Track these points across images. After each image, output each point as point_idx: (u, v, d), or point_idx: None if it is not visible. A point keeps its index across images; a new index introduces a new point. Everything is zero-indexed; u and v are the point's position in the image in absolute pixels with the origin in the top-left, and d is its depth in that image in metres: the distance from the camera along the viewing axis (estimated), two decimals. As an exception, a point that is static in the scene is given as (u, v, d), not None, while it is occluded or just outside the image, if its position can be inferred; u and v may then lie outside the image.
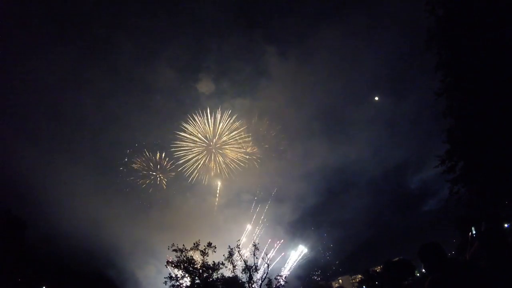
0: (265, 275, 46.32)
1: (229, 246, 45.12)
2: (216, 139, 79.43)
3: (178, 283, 44.09)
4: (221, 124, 78.88)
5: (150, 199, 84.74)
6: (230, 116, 79.85)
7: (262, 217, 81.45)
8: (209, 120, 78.43)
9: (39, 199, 63.76)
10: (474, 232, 6.14)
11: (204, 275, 43.89)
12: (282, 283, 47.67)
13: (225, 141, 79.72)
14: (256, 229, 78.64)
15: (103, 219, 69.26)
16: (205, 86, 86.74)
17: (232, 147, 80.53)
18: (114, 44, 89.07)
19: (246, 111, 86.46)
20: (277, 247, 76.15)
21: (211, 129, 78.63)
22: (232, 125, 79.86)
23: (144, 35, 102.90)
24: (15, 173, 62.52)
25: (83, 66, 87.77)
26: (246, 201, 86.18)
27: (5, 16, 70.73)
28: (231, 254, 44.69)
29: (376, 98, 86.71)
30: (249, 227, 75.30)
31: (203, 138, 79.22)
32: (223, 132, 79.34)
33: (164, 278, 44.84)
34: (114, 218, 71.84)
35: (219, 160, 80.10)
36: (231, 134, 79.75)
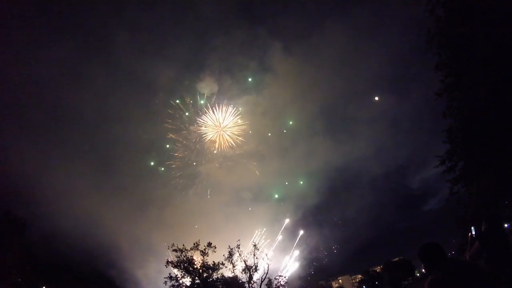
0: (265, 275, 46.36)
1: (229, 246, 45.18)
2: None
3: (178, 283, 44.12)
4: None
5: (150, 198, 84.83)
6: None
7: (264, 216, 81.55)
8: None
9: (39, 199, 63.77)
10: (474, 232, 6.14)
11: (204, 275, 43.93)
12: (282, 283, 47.74)
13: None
14: (257, 229, 78.67)
15: (103, 218, 69.29)
16: (207, 83, 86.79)
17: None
18: (114, 41, 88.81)
19: (249, 108, 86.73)
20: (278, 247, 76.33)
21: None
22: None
23: (145, 31, 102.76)
24: (15, 172, 62.54)
25: (82, 64, 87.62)
26: (247, 200, 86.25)
27: (1, 13, 70.63)
28: (231, 254, 44.72)
29: (376, 98, 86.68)
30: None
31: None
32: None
33: (164, 278, 44.91)
34: (114, 217, 71.87)
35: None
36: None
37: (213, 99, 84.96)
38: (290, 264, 77.01)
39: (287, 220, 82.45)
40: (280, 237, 79.08)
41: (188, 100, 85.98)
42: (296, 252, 78.75)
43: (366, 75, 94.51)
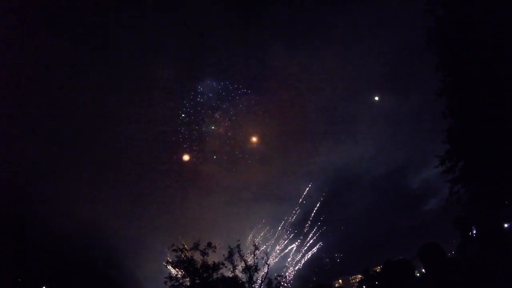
0: (265, 275, 46.39)
1: (229, 246, 45.16)
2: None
3: (178, 283, 44.11)
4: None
5: (150, 198, 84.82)
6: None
7: (264, 216, 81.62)
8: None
9: (39, 198, 63.79)
10: (474, 232, 6.15)
11: (204, 275, 43.89)
12: (282, 283, 47.78)
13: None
14: (258, 229, 78.75)
15: (103, 218, 69.31)
16: (208, 83, 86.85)
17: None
18: (114, 40, 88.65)
19: (249, 108, 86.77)
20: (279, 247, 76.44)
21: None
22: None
23: (145, 30, 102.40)
24: (15, 172, 62.62)
25: (81, 63, 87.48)
26: (247, 200, 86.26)
27: (0, 11, 70.58)
28: (231, 254, 44.69)
29: (376, 98, 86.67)
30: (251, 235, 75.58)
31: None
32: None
33: (164, 278, 44.91)
34: (114, 217, 71.92)
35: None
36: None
37: (214, 99, 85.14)
38: (291, 264, 77.12)
39: (288, 220, 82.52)
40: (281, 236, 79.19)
41: (188, 100, 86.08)
42: (297, 252, 78.90)
43: (366, 75, 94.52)
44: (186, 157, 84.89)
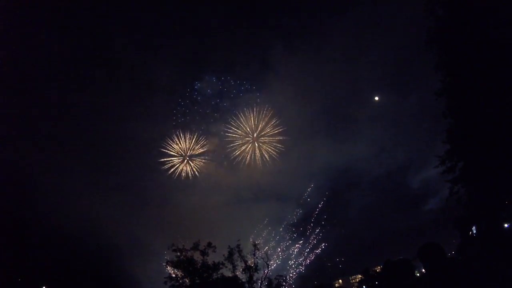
0: (265, 275, 46.36)
1: (229, 246, 45.12)
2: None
3: (178, 283, 44.12)
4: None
5: (150, 197, 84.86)
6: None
7: (265, 217, 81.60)
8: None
9: (39, 199, 63.80)
10: (474, 232, 6.15)
11: (204, 275, 43.88)
12: (283, 283, 47.76)
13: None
14: (259, 230, 78.76)
15: (103, 218, 69.34)
16: (208, 83, 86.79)
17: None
18: (113, 39, 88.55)
19: (250, 107, 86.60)
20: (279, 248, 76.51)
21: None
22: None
23: (146, 30, 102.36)
24: (15, 173, 62.61)
25: (81, 63, 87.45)
26: (248, 200, 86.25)
27: (1, 12, 70.58)
28: (231, 254, 44.65)
29: (377, 98, 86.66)
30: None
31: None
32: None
33: (164, 278, 44.92)
34: (114, 217, 71.94)
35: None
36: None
37: (214, 98, 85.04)
38: (291, 265, 77.13)
39: (288, 221, 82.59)
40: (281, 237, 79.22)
41: (188, 100, 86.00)
42: (297, 252, 78.92)
43: (366, 75, 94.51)
44: (186, 157, 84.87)
